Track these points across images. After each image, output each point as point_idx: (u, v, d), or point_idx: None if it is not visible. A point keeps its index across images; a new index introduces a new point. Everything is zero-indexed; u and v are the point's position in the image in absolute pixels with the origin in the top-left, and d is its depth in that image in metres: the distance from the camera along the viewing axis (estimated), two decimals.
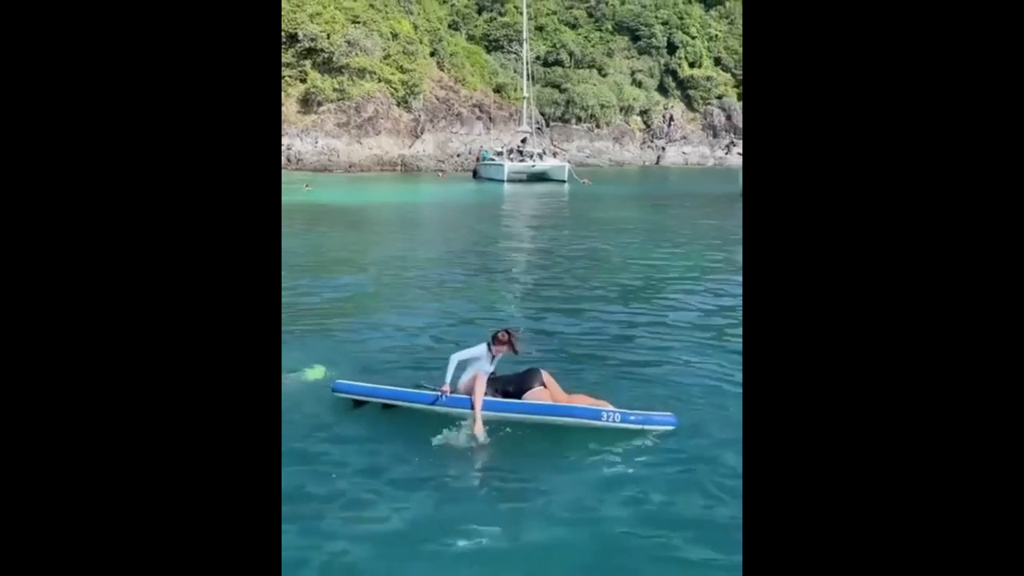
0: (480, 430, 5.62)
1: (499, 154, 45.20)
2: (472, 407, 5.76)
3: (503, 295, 11.56)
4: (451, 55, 56.90)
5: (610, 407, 5.74)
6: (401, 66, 49.95)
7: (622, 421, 5.65)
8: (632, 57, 70.67)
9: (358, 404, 6.16)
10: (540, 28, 67.30)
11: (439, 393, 5.91)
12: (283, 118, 45.91)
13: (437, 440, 5.50)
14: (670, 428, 5.69)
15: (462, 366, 6.03)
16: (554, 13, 70.68)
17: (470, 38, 65.11)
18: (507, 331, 6.16)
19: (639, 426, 5.66)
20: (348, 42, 47.15)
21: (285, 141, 45.51)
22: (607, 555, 4.09)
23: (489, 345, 6.03)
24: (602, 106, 65.05)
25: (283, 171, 40.42)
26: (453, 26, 64.29)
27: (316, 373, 6.88)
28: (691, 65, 71.18)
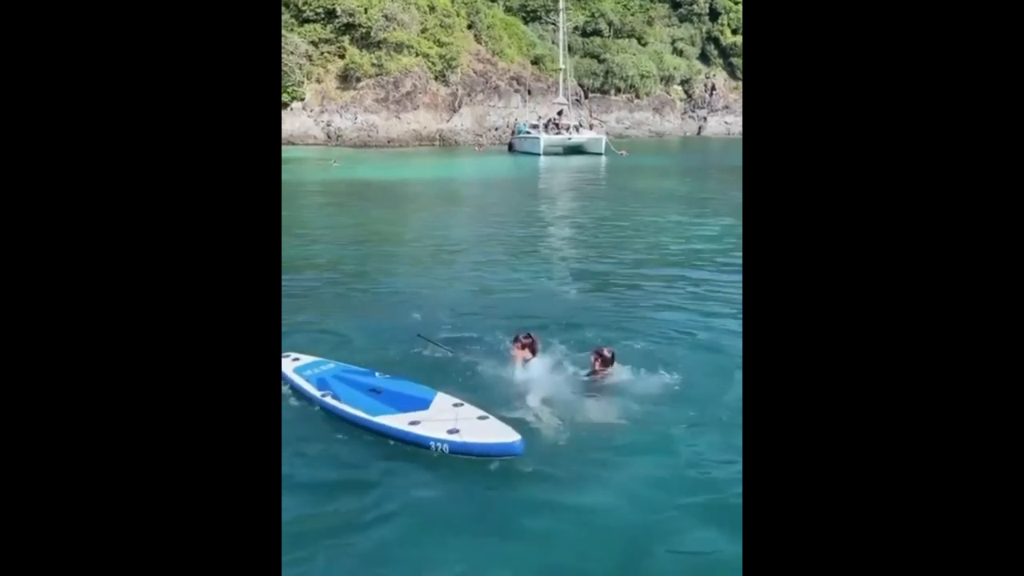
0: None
1: (534, 127, 44.92)
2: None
3: (535, 267, 11.53)
4: (488, 27, 56.38)
5: (442, 435, 5.10)
6: (438, 39, 49.72)
7: (450, 451, 5.04)
8: (673, 25, 69.21)
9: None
10: None
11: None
12: (323, 94, 46.16)
13: None
14: (512, 457, 4.97)
15: None
16: None
17: (507, 9, 64.30)
18: (529, 335, 6.23)
19: (470, 454, 5.01)
20: (385, 16, 47.04)
21: (325, 118, 45.79)
22: (607, 558, 4.06)
23: (511, 346, 6.18)
24: (642, 76, 63.91)
25: (323, 148, 40.83)
26: None
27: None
28: (734, 32, 69.35)
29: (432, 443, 5.05)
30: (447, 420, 5.25)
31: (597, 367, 6.12)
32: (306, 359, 6.50)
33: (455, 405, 5.53)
